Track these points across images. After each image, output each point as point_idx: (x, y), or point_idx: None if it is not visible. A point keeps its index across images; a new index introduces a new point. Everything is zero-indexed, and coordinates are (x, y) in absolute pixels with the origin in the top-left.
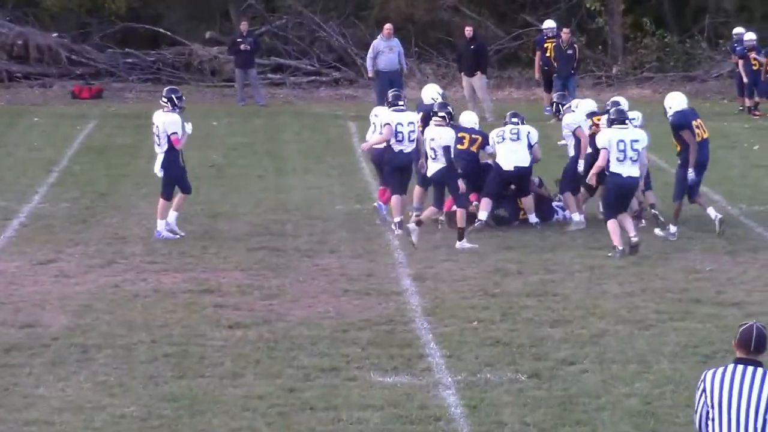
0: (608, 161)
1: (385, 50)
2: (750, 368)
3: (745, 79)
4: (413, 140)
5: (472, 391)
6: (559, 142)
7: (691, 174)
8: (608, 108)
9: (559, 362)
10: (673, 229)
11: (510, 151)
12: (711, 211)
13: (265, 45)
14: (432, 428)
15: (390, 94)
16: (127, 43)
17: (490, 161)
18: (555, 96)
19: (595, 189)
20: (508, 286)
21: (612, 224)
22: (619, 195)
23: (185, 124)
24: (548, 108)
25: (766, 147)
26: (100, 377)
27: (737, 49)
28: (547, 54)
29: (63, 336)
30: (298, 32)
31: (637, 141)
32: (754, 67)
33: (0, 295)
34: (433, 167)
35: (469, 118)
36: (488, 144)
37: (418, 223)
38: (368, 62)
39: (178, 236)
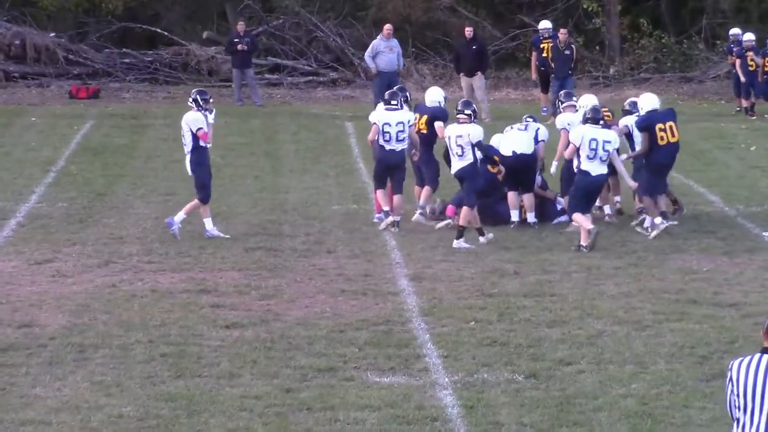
0: (579, 158)
1: (384, 50)
2: None
3: (742, 79)
4: (402, 140)
5: (469, 392)
6: None
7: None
8: (626, 108)
9: (556, 363)
10: (658, 219)
11: (512, 138)
12: (648, 220)
13: (262, 45)
14: (429, 428)
15: (388, 92)
16: (125, 43)
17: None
18: (562, 95)
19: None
20: (505, 286)
21: (579, 217)
22: (586, 192)
23: (208, 114)
24: (545, 108)
25: (762, 148)
26: (97, 377)
27: (735, 49)
28: (544, 54)
29: (60, 336)
30: (295, 32)
31: (609, 142)
32: (751, 68)
33: None
34: (458, 165)
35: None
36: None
37: (480, 232)
38: (368, 60)
39: (178, 237)
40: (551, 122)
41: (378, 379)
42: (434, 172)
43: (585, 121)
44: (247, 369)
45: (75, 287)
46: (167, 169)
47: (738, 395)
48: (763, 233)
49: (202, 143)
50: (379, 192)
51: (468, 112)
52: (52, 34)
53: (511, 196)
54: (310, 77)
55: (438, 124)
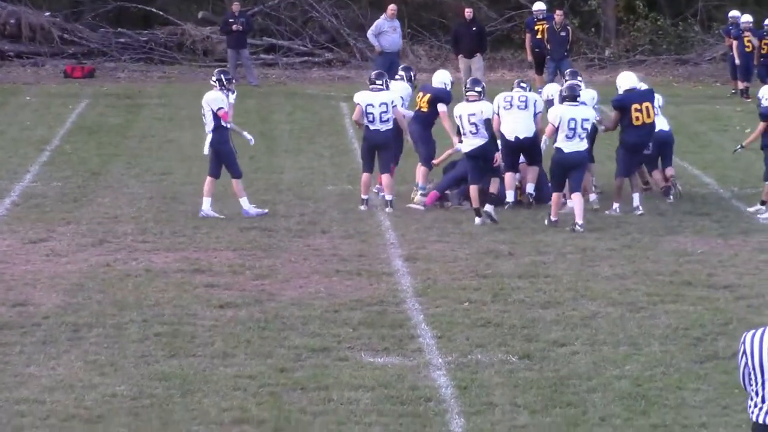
0: (556, 137)
1: (388, 30)
2: None
3: (737, 61)
4: (386, 120)
5: (462, 372)
6: None
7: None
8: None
9: (550, 344)
10: (615, 205)
11: (515, 120)
12: (636, 198)
13: (257, 25)
14: (422, 409)
15: (374, 72)
16: (120, 23)
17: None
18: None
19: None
20: (499, 267)
21: (556, 197)
22: (564, 169)
23: (230, 93)
24: (540, 89)
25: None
26: (91, 356)
27: (732, 30)
28: (538, 36)
29: (54, 315)
30: (290, 12)
31: (587, 120)
32: (747, 50)
33: None
34: (473, 143)
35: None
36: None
37: (477, 211)
38: (371, 38)
39: (264, 211)
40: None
41: (372, 360)
42: (431, 151)
43: (562, 100)
44: (241, 349)
45: (69, 266)
46: (162, 148)
47: (753, 368)
48: (759, 216)
49: (223, 123)
50: (365, 176)
51: (478, 89)
52: (48, 14)
53: (509, 176)
54: (306, 57)
55: (441, 107)
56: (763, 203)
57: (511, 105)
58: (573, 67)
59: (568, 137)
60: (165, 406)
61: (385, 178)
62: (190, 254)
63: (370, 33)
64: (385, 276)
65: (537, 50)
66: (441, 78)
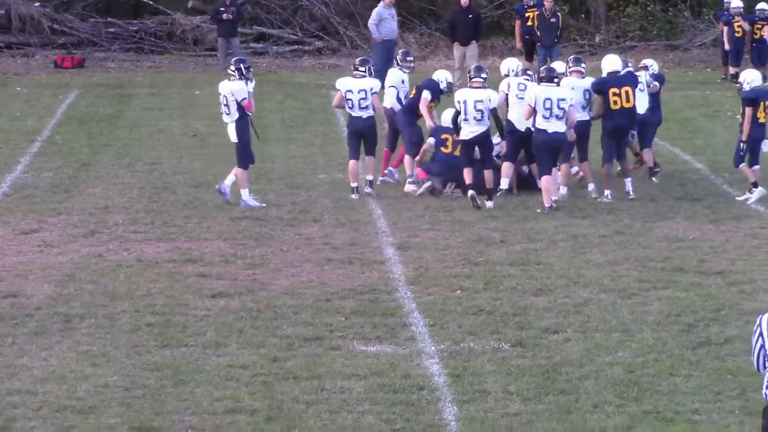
0: (534, 117)
1: (387, 17)
2: None
3: (727, 46)
4: (365, 107)
5: (455, 360)
6: None
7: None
8: (638, 67)
9: (542, 331)
10: (606, 192)
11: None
12: (627, 183)
13: (247, 14)
14: (415, 397)
15: (358, 59)
16: (110, 13)
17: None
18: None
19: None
20: (491, 255)
21: (545, 181)
22: (546, 150)
23: (249, 82)
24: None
25: None
26: (83, 347)
27: (722, 15)
28: (529, 23)
29: (46, 306)
30: (280, 1)
31: (563, 100)
32: (738, 35)
33: None
34: (475, 129)
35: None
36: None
37: (489, 196)
38: (372, 28)
39: (263, 205)
40: None
41: (364, 348)
42: (414, 137)
43: (539, 81)
44: (233, 338)
45: (61, 257)
46: (152, 138)
47: None
48: (748, 203)
49: (247, 112)
50: (352, 163)
51: (484, 75)
52: (37, 4)
53: (506, 165)
54: (296, 46)
55: (425, 93)
56: (755, 185)
57: (518, 96)
58: (562, 53)
59: (545, 117)
60: (157, 397)
61: (368, 160)
62: (182, 244)
63: (371, 22)
64: (377, 264)
65: (527, 37)
66: (439, 75)
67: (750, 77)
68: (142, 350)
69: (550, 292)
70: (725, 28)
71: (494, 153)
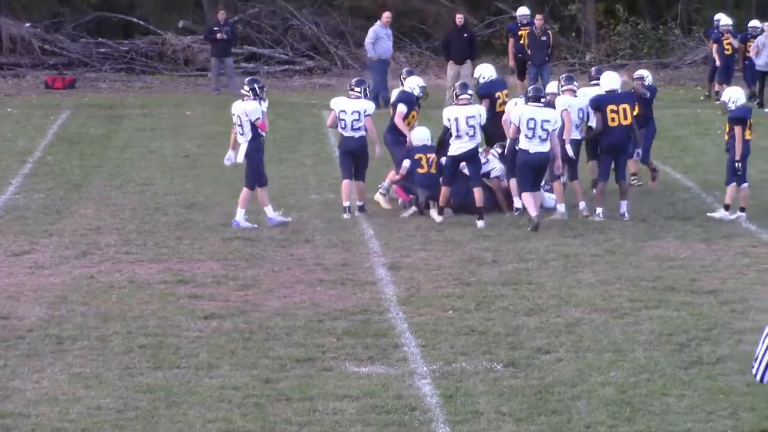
0: (518, 137)
1: (383, 37)
2: None
3: (717, 63)
4: (357, 128)
5: (447, 381)
6: None
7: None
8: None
9: (534, 351)
10: (598, 210)
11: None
12: (623, 205)
13: (238, 33)
14: (408, 418)
15: (354, 80)
16: (100, 33)
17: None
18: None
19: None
20: (483, 274)
21: (525, 196)
22: (528, 169)
23: (262, 102)
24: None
25: None
26: (75, 369)
27: (712, 33)
28: (521, 41)
29: (38, 328)
30: (271, 21)
31: (548, 121)
32: (727, 52)
33: None
34: (465, 146)
35: (420, 135)
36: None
37: (440, 211)
38: (368, 47)
39: (254, 226)
40: None
41: (356, 369)
42: (403, 155)
43: (526, 101)
44: (225, 360)
45: (52, 279)
46: (144, 159)
47: None
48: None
49: (260, 132)
50: (345, 182)
51: (470, 92)
52: (28, 24)
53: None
54: (287, 66)
55: (400, 107)
56: (726, 207)
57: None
58: (553, 72)
59: (527, 137)
60: (150, 419)
61: (357, 185)
62: (174, 265)
63: (368, 41)
64: (369, 285)
65: (519, 56)
66: (410, 83)
67: (734, 96)
68: (135, 372)
69: (542, 312)
70: (715, 46)
71: (483, 171)
